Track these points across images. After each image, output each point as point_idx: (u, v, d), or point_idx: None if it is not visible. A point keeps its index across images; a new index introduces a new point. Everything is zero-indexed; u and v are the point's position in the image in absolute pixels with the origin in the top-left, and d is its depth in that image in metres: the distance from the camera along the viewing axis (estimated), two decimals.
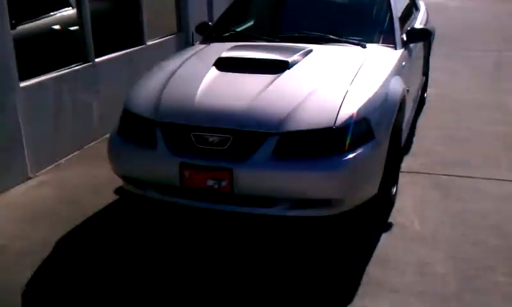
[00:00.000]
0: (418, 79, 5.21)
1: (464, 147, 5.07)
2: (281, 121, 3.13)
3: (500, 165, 4.67)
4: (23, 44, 4.57)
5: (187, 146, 3.23)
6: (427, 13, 6.32)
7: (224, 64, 3.75)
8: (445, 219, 3.76)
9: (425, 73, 5.96)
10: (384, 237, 3.53)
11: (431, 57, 6.36)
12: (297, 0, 5.09)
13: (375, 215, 3.74)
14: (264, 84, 3.42)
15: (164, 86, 3.59)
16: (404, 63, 4.22)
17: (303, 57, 3.83)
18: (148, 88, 3.66)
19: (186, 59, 4.09)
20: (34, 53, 4.89)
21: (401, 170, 4.47)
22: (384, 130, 3.42)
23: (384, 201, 3.71)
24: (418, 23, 5.40)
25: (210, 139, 3.18)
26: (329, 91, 3.39)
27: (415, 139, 5.25)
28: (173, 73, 3.78)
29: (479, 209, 3.89)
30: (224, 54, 3.87)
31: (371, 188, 3.40)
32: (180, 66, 3.92)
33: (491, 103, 6.43)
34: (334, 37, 4.23)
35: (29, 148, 4.46)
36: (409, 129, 5.11)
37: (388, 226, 3.66)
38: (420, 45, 5.06)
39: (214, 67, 3.73)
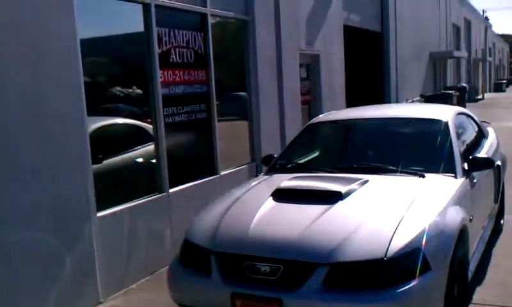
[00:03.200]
0: (486, 207, 5.06)
1: None
2: (331, 252, 3.17)
3: None
4: (106, 176, 5.05)
5: (240, 275, 3.34)
6: (497, 141, 6.25)
7: (280, 195, 3.91)
8: None
9: (499, 200, 5.77)
10: None
11: (510, 182, 6.13)
12: (358, 132, 5.32)
13: None
14: (316, 214, 3.52)
15: (223, 216, 3.79)
16: (465, 192, 4.18)
17: (358, 188, 3.91)
18: (207, 219, 3.88)
19: (247, 190, 4.31)
20: (116, 184, 5.35)
21: (472, 302, 4.27)
22: (442, 261, 3.35)
23: None
24: (485, 151, 5.36)
25: (262, 269, 3.28)
26: (382, 222, 3.41)
27: (489, 269, 5.01)
28: (232, 204, 3.99)
29: None
30: (282, 185, 4.05)
31: None
32: (240, 197, 4.14)
33: None
34: (392, 167, 4.30)
35: (102, 274, 4.75)
36: (483, 258, 4.91)
37: None
38: (487, 172, 4.98)
39: (271, 198, 3.91)
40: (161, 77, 5.70)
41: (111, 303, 4.78)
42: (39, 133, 4.17)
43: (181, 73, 6.12)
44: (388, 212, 3.54)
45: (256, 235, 3.46)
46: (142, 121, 5.76)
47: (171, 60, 5.93)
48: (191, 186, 6.15)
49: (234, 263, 3.38)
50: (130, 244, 5.17)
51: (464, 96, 24.25)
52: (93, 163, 4.75)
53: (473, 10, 38.86)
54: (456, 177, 4.22)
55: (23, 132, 4.03)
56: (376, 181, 4.10)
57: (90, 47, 4.87)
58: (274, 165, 5.01)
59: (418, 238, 3.27)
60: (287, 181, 4.18)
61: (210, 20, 6.62)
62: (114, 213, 4.99)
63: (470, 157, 4.57)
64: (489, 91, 47.42)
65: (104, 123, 5.36)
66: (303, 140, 5.43)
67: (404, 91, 18.07)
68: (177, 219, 5.69)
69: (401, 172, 4.25)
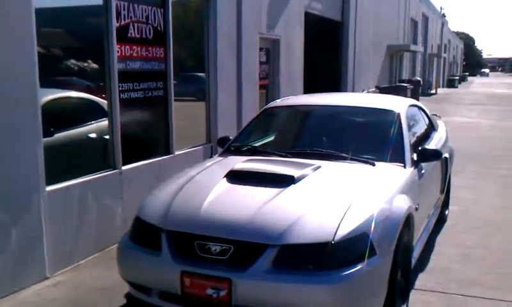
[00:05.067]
0: (432, 197, 5.24)
1: (482, 266, 4.98)
2: (281, 234, 3.23)
3: None
4: (57, 150, 4.94)
5: (190, 254, 3.35)
6: (446, 134, 6.46)
7: (234, 177, 3.94)
8: None
9: (445, 191, 5.99)
10: None
11: (456, 174, 6.36)
12: (313, 118, 5.40)
13: None
14: (268, 197, 3.56)
15: (175, 195, 3.79)
16: (413, 182, 4.31)
17: (311, 173, 3.98)
18: (160, 197, 3.87)
19: (200, 171, 4.32)
20: (68, 159, 5.24)
21: (414, 287, 4.44)
22: (387, 247, 3.46)
23: None
24: (434, 144, 5.53)
25: (212, 249, 3.30)
26: (332, 206, 3.49)
27: (432, 256, 5.20)
28: (185, 183, 3.99)
29: None
30: (236, 167, 4.07)
31: (372, 306, 3.40)
32: (193, 177, 4.14)
33: None
34: (344, 154, 4.39)
35: (50, 249, 4.66)
36: (427, 246, 5.10)
37: None
38: (435, 164, 5.15)
39: (224, 179, 3.93)
40: (118, 52, 5.59)
41: (58, 279, 4.71)
42: None
43: (139, 48, 6.01)
44: (338, 197, 3.63)
45: (207, 215, 3.48)
46: (97, 95, 5.65)
47: (129, 35, 5.82)
48: (145, 164, 6.09)
49: (185, 242, 3.39)
50: (80, 219, 5.08)
51: (418, 90, 24.84)
52: (45, 136, 4.63)
53: (431, 6, 39.70)
54: (404, 167, 4.35)
55: None
56: (328, 167, 4.18)
57: (45, 16, 4.72)
58: (229, 147, 5.03)
59: (366, 223, 3.36)
60: (240, 163, 4.20)
61: None
62: (65, 187, 4.89)
63: (420, 148, 4.71)
64: (443, 87, 48.75)
65: (56, 96, 5.24)
66: (259, 123, 5.46)
67: (361, 81, 18.36)
68: (129, 197, 5.63)
69: (352, 159, 4.35)
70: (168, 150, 6.62)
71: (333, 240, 3.21)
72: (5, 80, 4.19)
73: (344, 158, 4.37)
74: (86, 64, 5.56)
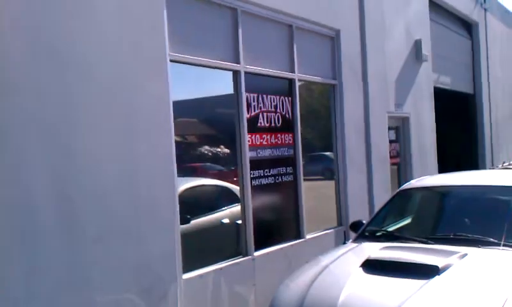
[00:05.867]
0: None
1: None
2: None
3: None
4: (192, 237, 5.06)
5: None
6: None
7: (371, 266, 3.72)
8: None
9: None
10: None
11: None
12: (453, 200, 5.04)
13: None
14: (411, 291, 3.30)
15: (309, 287, 3.64)
16: None
17: (456, 262, 3.64)
18: (293, 289, 3.74)
19: (334, 259, 4.14)
20: (201, 245, 5.35)
21: None
22: None
23: None
24: None
25: None
26: (485, 302, 3.12)
27: None
28: (319, 273, 3.83)
29: None
30: (372, 256, 3.86)
31: None
32: (327, 266, 3.98)
33: None
34: (493, 240, 3.99)
35: None
36: None
37: None
38: None
39: (360, 269, 3.73)
40: (249, 141, 5.75)
41: None
42: (130, 195, 4.24)
43: (268, 136, 6.15)
44: (490, 291, 3.26)
45: None
46: (228, 180, 5.79)
47: (258, 124, 5.99)
48: (276, 250, 6.03)
49: None
50: None
51: None
52: (181, 223, 4.77)
53: None
54: None
55: (115, 193, 4.13)
56: (476, 255, 3.81)
57: (181, 108, 4.99)
58: (363, 233, 4.82)
59: None
60: (377, 251, 3.99)
61: (298, 85, 6.66)
62: (200, 275, 4.95)
63: None
64: None
65: (193, 184, 5.43)
66: (393, 206, 5.20)
67: (500, 154, 17.15)
68: (262, 284, 5.57)
69: (504, 245, 3.93)
70: (298, 234, 6.53)
71: None
72: (147, 172, 4.39)
73: (493, 244, 3.97)
74: (218, 150, 5.76)
